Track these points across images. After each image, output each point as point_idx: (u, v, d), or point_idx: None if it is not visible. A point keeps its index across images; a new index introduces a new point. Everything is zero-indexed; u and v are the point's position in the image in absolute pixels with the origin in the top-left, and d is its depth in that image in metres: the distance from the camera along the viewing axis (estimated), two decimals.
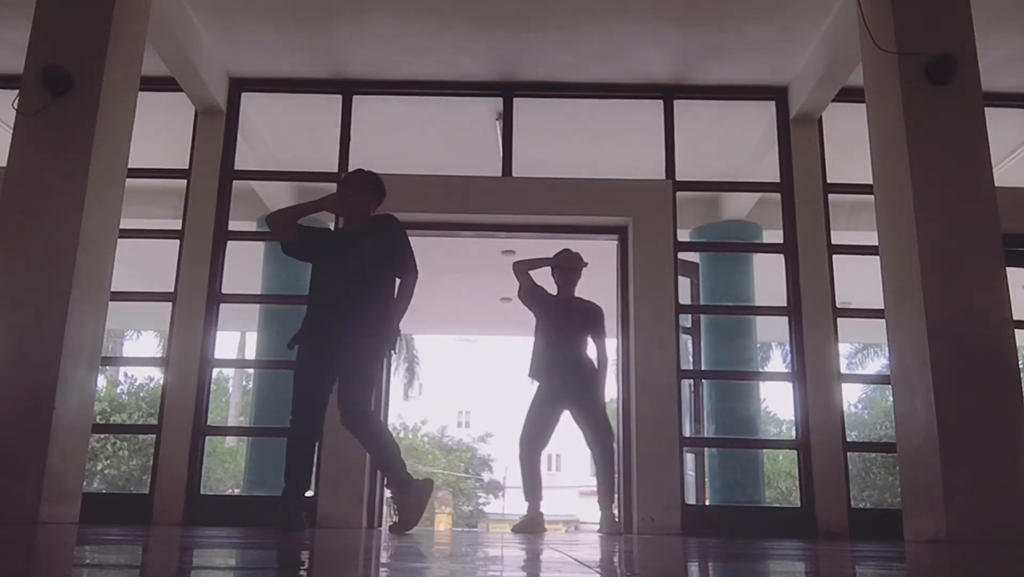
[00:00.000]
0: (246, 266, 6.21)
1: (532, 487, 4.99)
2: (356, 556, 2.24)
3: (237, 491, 14.07)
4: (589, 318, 5.14)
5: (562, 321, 5.09)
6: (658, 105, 5.80)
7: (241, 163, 5.79)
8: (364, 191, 4.10)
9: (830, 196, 5.60)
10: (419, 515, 3.90)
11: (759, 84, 5.76)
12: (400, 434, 28.57)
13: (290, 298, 6.57)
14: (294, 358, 3.95)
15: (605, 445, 4.98)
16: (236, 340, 19.56)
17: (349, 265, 3.94)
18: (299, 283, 6.53)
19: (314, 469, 4.69)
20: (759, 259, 6.78)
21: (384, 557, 2.21)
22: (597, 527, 5.01)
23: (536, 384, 5.13)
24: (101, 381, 13.28)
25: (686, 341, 6.21)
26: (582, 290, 5.29)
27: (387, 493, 4.75)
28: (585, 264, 5.25)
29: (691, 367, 6.45)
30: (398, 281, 4.05)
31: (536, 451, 5.05)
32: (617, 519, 5.05)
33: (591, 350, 5.14)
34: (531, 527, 4.85)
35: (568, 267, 5.21)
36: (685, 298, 5.89)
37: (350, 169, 4.87)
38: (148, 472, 5.36)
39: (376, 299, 3.94)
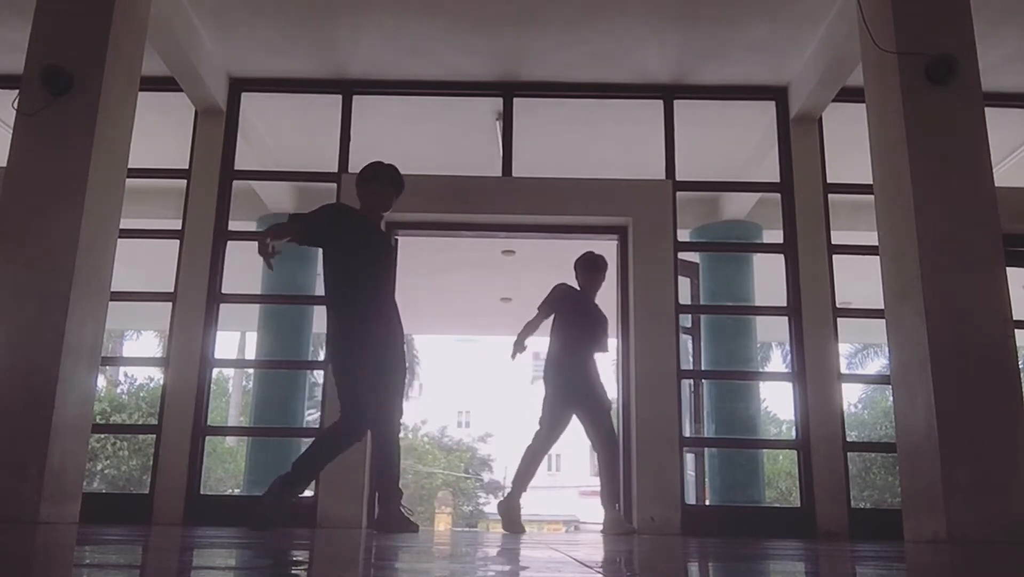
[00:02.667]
0: (246, 266, 6.19)
1: (524, 477, 4.99)
2: (356, 556, 2.24)
3: (237, 491, 14.06)
4: (601, 328, 5.10)
5: (582, 323, 5.03)
6: (658, 105, 5.80)
7: (241, 163, 5.79)
8: (387, 186, 4.06)
9: (830, 196, 5.60)
10: (394, 526, 3.92)
11: (759, 84, 5.76)
12: (400, 434, 28.52)
13: (290, 298, 6.59)
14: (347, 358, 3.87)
15: (610, 447, 4.98)
16: (236, 340, 19.54)
17: (384, 268, 4.01)
18: (299, 283, 6.56)
19: None
20: (759, 259, 6.78)
21: (384, 557, 2.21)
22: (600, 527, 5.01)
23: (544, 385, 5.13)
24: (101, 381, 13.28)
25: (686, 341, 6.21)
26: None
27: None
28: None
29: (691, 367, 6.45)
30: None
31: (545, 449, 5.07)
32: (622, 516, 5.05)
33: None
34: (512, 516, 4.89)
35: (594, 268, 5.13)
36: (685, 298, 5.88)
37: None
38: (148, 472, 5.35)
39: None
